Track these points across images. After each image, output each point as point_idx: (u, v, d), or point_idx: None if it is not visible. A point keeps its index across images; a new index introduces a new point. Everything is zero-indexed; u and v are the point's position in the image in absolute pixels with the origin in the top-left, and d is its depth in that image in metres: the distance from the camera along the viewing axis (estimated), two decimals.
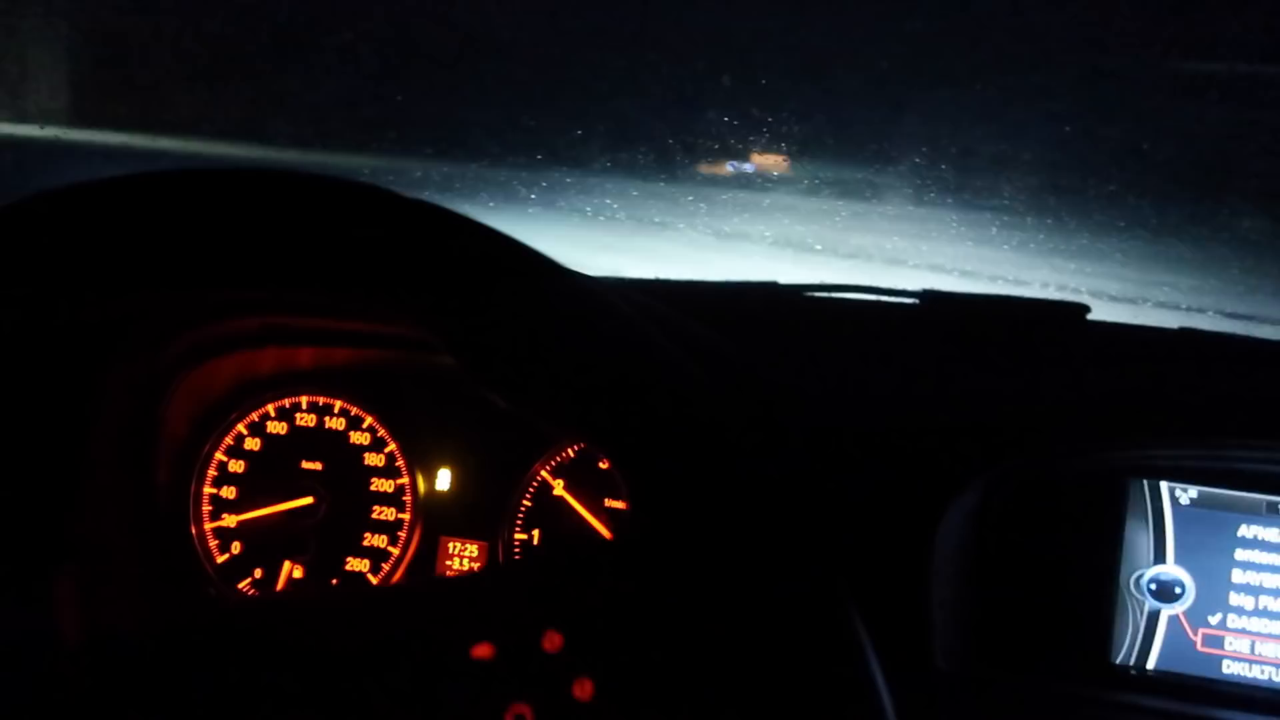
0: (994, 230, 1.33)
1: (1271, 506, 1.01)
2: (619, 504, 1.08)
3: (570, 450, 1.10)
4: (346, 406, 1.13)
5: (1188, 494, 1.03)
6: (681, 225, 1.39)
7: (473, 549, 1.11)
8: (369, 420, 1.13)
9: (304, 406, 1.14)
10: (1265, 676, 1.00)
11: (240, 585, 1.12)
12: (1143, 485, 1.03)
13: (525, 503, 1.10)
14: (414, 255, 0.59)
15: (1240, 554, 1.01)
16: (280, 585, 1.12)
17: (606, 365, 0.59)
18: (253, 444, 1.14)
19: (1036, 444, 0.98)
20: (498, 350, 0.61)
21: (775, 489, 0.59)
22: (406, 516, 1.12)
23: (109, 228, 0.61)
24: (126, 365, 1.00)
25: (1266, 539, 1.01)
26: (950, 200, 1.28)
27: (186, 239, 0.61)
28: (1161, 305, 1.51)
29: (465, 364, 0.61)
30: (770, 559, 0.58)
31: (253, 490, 1.13)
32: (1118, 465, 1.04)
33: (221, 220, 0.60)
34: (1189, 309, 1.49)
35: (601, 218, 1.35)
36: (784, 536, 0.58)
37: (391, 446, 1.12)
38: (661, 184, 1.30)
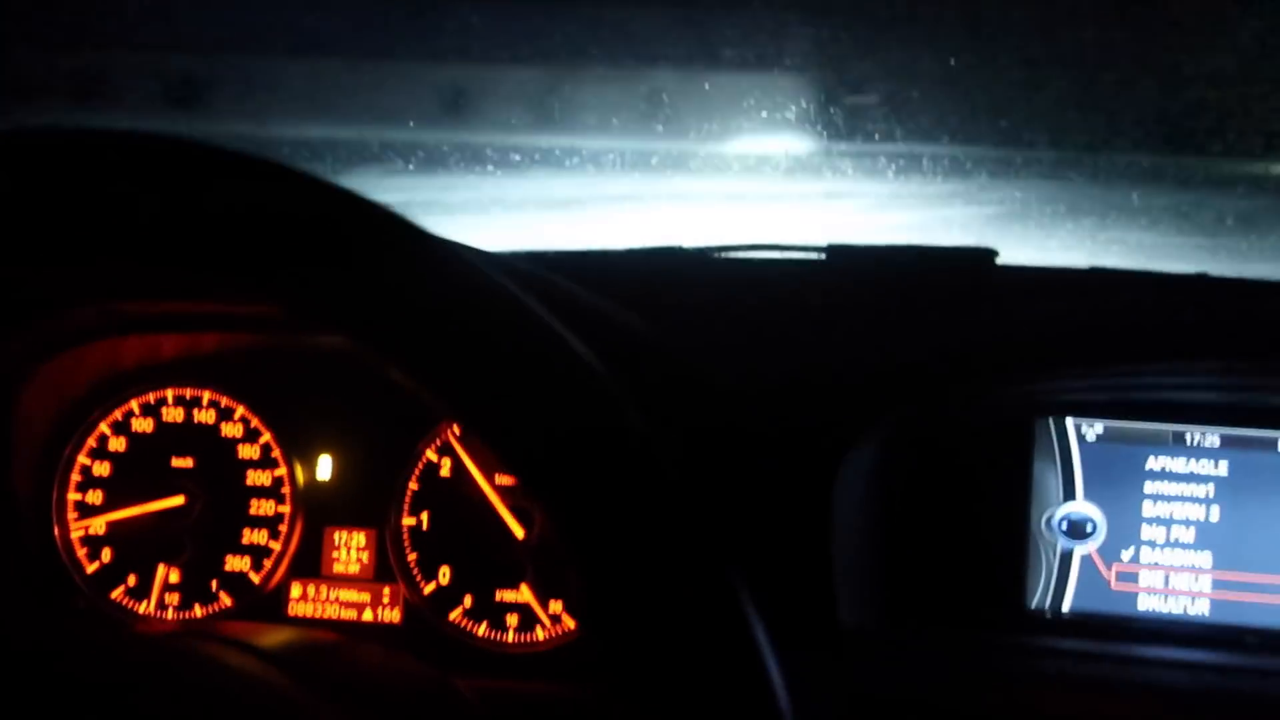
0: (890, 175, 1.30)
1: (1178, 437, 0.99)
2: (510, 480, 1.03)
3: (455, 428, 1.04)
4: (216, 397, 1.06)
5: (1094, 429, 1.00)
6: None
7: (360, 538, 1.05)
8: (240, 410, 1.06)
9: (170, 400, 1.07)
10: (1180, 610, 0.98)
11: (113, 594, 1.05)
12: (1048, 423, 1.00)
13: (412, 485, 1.04)
14: (265, 222, 0.52)
15: (1149, 486, 0.99)
16: (155, 591, 1.05)
17: (474, 338, 0.53)
18: (117, 444, 1.06)
19: (931, 386, 0.94)
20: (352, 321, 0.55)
21: (662, 475, 0.54)
22: (287, 509, 1.05)
23: None
24: None
25: (1174, 470, 0.98)
26: (843, 147, 1.24)
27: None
28: (1068, 246, 1.49)
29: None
30: (661, 553, 0.53)
31: (120, 493, 1.06)
32: (1021, 404, 1.01)
33: (37, 184, 0.53)
34: (1098, 244, 1.47)
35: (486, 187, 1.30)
36: (675, 529, 0.53)
37: (266, 436, 1.06)
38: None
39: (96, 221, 0.53)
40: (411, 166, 1.32)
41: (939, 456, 1.00)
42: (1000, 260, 1.16)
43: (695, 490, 0.56)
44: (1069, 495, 1.00)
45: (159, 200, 0.52)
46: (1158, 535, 0.98)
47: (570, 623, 1.01)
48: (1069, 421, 1.00)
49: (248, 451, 1.06)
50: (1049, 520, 0.99)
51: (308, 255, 0.53)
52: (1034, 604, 0.99)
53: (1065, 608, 0.99)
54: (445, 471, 1.04)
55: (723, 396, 0.95)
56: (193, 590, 1.05)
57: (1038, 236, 1.43)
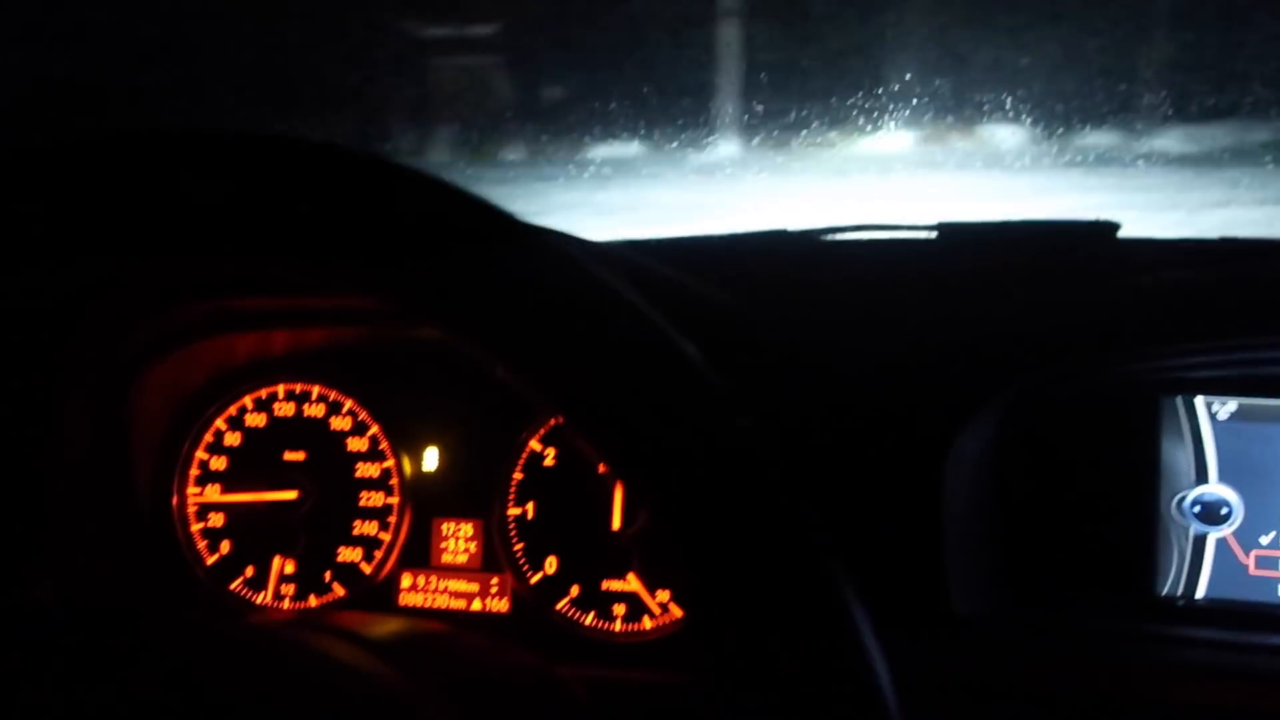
0: (1004, 149, 1.25)
1: None
2: None
3: (558, 417, 1.03)
4: (325, 392, 1.08)
5: (1226, 407, 0.94)
6: (672, 175, 1.33)
7: (467, 528, 1.06)
8: (348, 404, 1.07)
9: (281, 395, 1.09)
10: None
11: (232, 586, 1.08)
12: (1176, 402, 0.95)
13: (517, 476, 1.04)
14: (372, 217, 0.52)
15: None
16: (271, 582, 1.07)
17: (578, 334, 0.52)
18: (232, 439, 1.09)
19: (1049, 360, 0.90)
20: (460, 316, 0.54)
21: (765, 463, 0.52)
22: (396, 500, 1.06)
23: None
24: (82, 360, 0.95)
25: None
26: (951, 119, 1.20)
27: (108, 205, 0.55)
28: (1197, 212, 1.42)
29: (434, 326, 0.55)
30: (761, 534, 0.52)
31: (236, 487, 1.08)
32: (1147, 381, 0.96)
33: (153, 184, 0.54)
34: (1227, 213, 1.39)
35: (586, 176, 1.29)
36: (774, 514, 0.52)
37: (374, 429, 1.07)
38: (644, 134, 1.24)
39: (204, 217, 0.53)
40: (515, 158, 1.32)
41: (1059, 436, 0.95)
42: (1122, 234, 1.11)
43: (797, 480, 0.54)
44: (1202, 477, 0.94)
45: (268, 196, 0.52)
46: None
47: (678, 612, 1.00)
48: (1199, 400, 0.94)
49: (356, 444, 1.07)
50: (1180, 503, 0.94)
51: (411, 250, 0.52)
52: (1165, 591, 0.94)
53: (1199, 595, 0.93)
54: (550, 461, 1.04)
55: (832, 378, 0.92)
56: (307, 581, 1.07)
57: (1159, 210, 1.36)
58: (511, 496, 1.04)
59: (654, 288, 0.90)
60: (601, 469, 1.02)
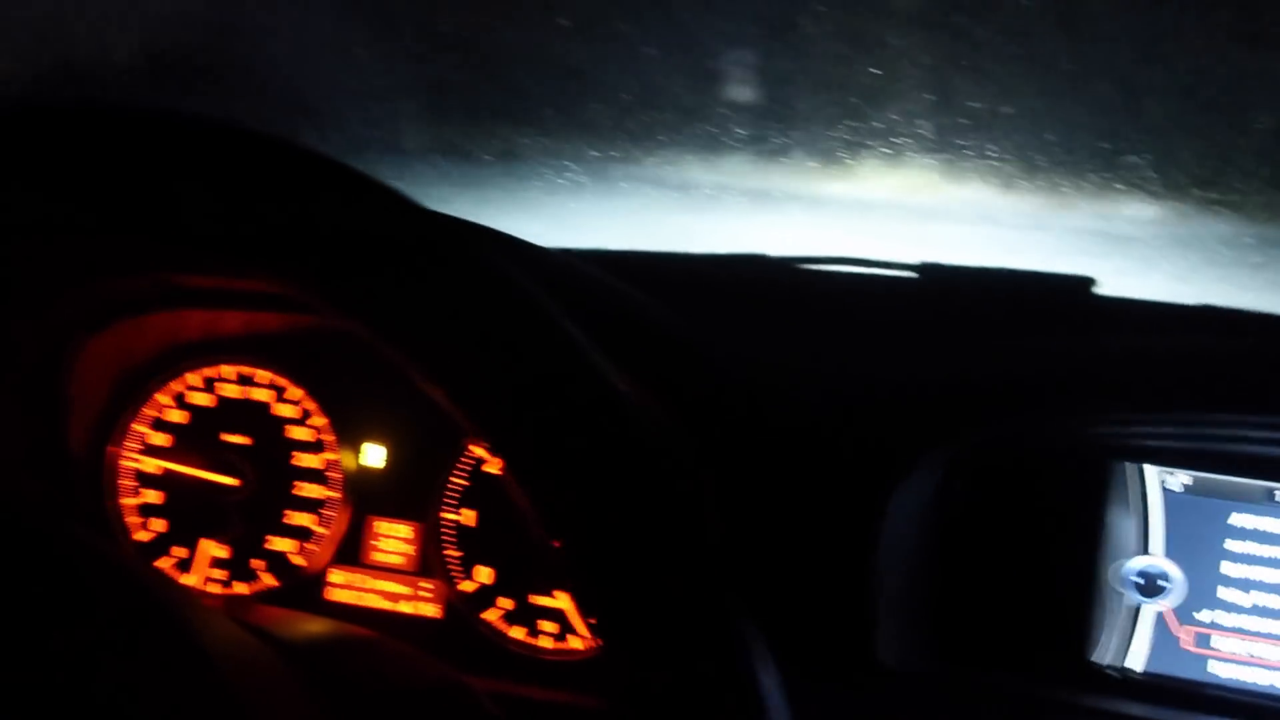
0: (988, 193, 1.23)
1: (1269, 494, 0.91)
2: None
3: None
4: (274, 378, 1.06)
5: (1177, 479, 0.93)
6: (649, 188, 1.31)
7: (404, 529, 1.04)
8: (297, 392, 1.05)
9: (229, 376, 1.07)
10: (1258, 680, 0.90)
11: (157, 565, 1.06)
12: (1127, 468, 0.94)
13: (459, 481, 1.02)
14: (304, 216, 0.51)
15: (1233, 545, 0.92)
16: (199, 565, 1.05)
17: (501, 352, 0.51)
18: (175, 415, 1.07)
19: (1004, 413, 0.89)
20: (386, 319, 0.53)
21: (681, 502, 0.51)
22: (334, 495, 1.04)
23: None
24: (18, 322, 0.93)
25: (1263, 529, 0.91)
26: (932, 160, 1.19)
27: (53, 175, 0.53)
28: (1175, 277, 1.40)
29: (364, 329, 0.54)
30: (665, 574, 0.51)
31: (173, 463, 1.06)
32: (1100, 445, 0.95)
33: (97, 158, 0.53)
34: (1206, 279, 1.38)
35: (562, 181, 1.27)
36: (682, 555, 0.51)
37: (319, 420, 1.05)
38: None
39: (138, 197, 0.52)
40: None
41: (1006, 491, 0.94)
42: (1098, 289, 1.10)
43: (706, 510, 0.53)
44: (1144, 547, 0.93)
45: (202, 183, 0.50)
46: (1239, 598, 0.91)
47: None
48: (1150, 469, 0.93)
49: (300, 433, 1.05)
50: (1121, 572, 0.93)
51: (332, 243, 0.51)
52: (1098, 659, 0.93)
53: (1132, 667, 0.92)
54: (494, 469, 1.02)
55: (781, 408, 0.91)
56: (236, 567, 1.05)
57: (1139, 268, 1.35)
58: (451, 501, 1.02)
59: (592, 299, 0.89)
60: None
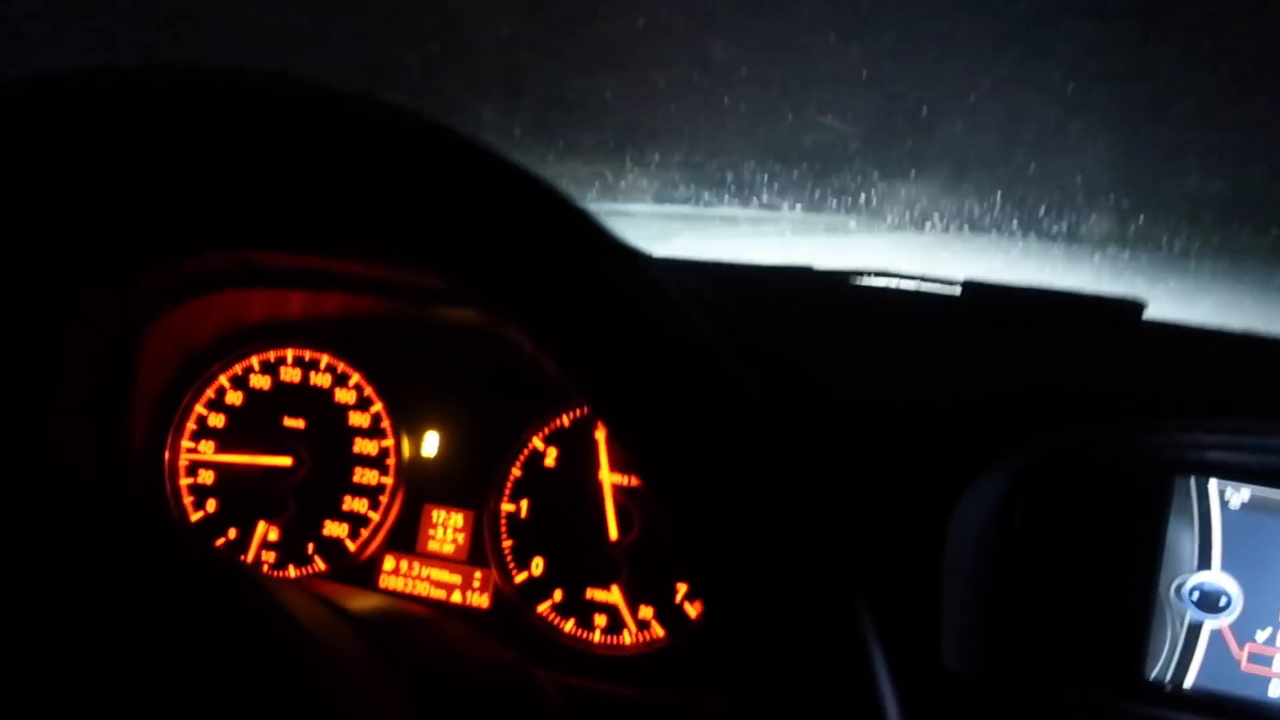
0: (1041, 213, 1.24)
1: None
2: (619, 478, 1.00)
3: (565, 418, 1.02)
4: (334, 362, 1.07)
5: (1239, 494, 0.93)
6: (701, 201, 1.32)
7: (458, 518, 1.04)
8: (356, 377, 1.06)
9: (289, 360, 1.07)
10: None
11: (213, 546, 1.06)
12: (1189, 483, 0.94)
13: (515, 472, 1.03)
14: (452, 201, 0.49)
15: None
16: (253, 547, 1.05)
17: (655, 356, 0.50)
18: (234, 398, 1.08)
19: (1067, 425, 0.89)
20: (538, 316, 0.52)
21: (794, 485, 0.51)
22: (389, 481, 1.05)
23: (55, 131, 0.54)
24: (95, 306, 0.94)
25: None
26: (987, 177, 1.20)
27: (154, 146, 0.53)
28: (1225, 303, 1.41)
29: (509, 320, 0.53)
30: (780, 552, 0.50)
31: (232, 446, 1.07)
32: (1162, 459, 0.95)
33: (203, 127, 0.52)
34: (1255, 308, 1.38)
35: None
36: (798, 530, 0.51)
37: (377, 406, 1.06)
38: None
39: (252, 168, 0.51)
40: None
41: (1067, 503, 0.94)
42: (1149, 314, 1.10)
43: (823, 507, 0.53)
44: (1204, 563, 0.93)
45: (326, 152, 0.50)
46: None
47: (659, 630, 0.98)
48: (1212, 484, 0.93)
49: (358, 419, 1.06)
50: (1179, 588, 0.93)
51: (474, 228, 0.50)
52: (1153, 675, 0.92)
53: (1187, 684, 0.92)
54: (550, 461, 1.02)
55: (846, 419, 0.91)
56: (289, 551, 1.06)
57: (1191, 293, 1.35)
58: (507, 492, 1.02)
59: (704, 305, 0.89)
60: (602, 475, 1.01)
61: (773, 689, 0.47)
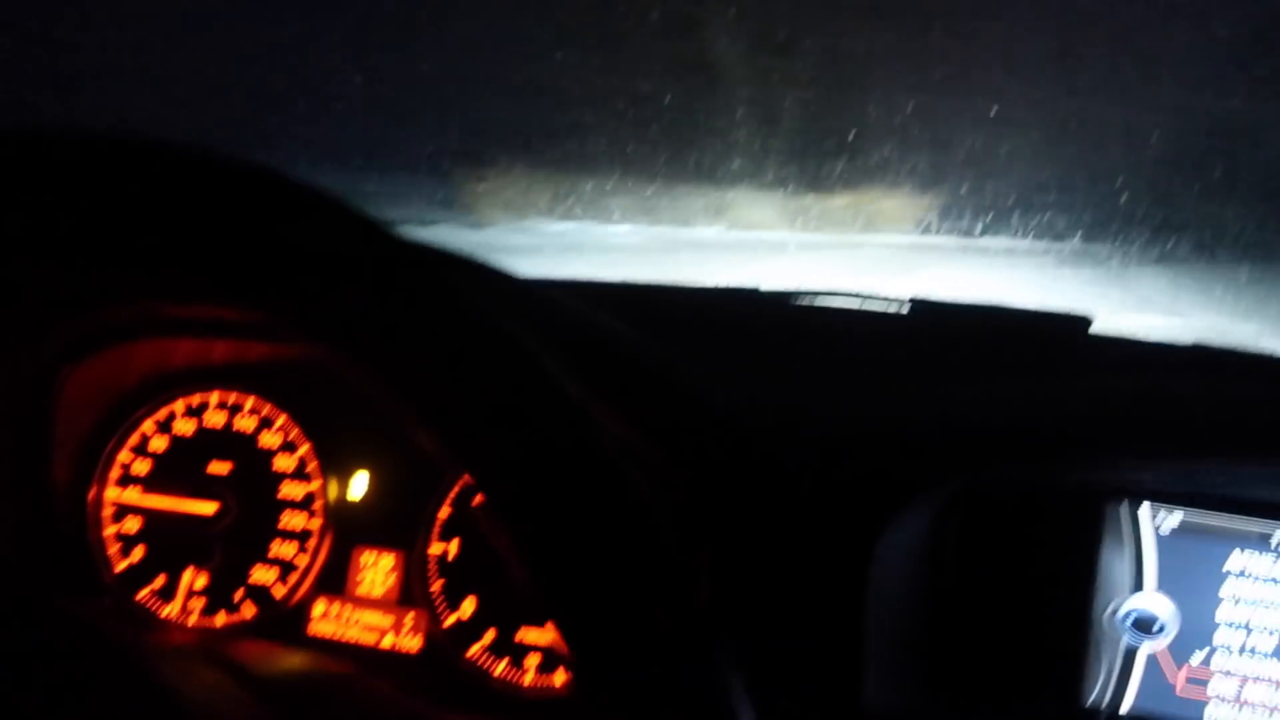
0: (978, 231, 1.23)
1: (1264, 536, 0.90)
2: None
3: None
4: (259, 404, 1.05)
5: (1172, 518, 0.92)
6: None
7: (388, 560, 1.02)
8: (281, 419, 1.04)
9: (214, 404, 1.06)
10: None
11: (139, 595, 1.04)
12: (1122, 508, 0.93)
13: (443, 511, 1.01)
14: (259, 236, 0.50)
15: (1228, 586, 0.90)
16: (180, 595, 1.04)
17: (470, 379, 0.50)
18: (159, 443, 1.06)
19: (998, 452, 0.87)
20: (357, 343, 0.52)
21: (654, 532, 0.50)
22: (318, 524, 1.03)
23: None
24: (8, 354, 0.93)
25: (1257, 570, 0.90)
26: (930, 201, 1.19)
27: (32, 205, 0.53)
28: (1170, 314, 1.40)
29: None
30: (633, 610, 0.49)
31: (157, 493, 1.05)
32: (1095, 485, 0.94)
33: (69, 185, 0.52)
34: (1200, 317, 1.38)
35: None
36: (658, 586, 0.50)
37: (304, 448, 1.04)
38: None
39: (112, 224, 0.51)
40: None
41: (997, 531, 0.93)
42: (1094, 329, 1.09)
43: (688, 548, 0.52)
44: (1138, 587, 0.92)
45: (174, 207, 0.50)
46: (1233, 640, 0.89)
47: None
48: (1144, 508, 0.92)
49: (284, 463, 1.04)
50: (1114, 612, 0.92)
51: (300, 267, 0.50)
52: (1090, 701, 0.91)
53: (1124, 709, 0.91)
54: (479, 499, 1.01)
55: (771, 445, 0.89)
56: (218, 597, 1.04)
57: (1135, 305, 1.35)
58: (436, 531, 1.01)
59: (572, 331, 0.88)
60: None
61: None
